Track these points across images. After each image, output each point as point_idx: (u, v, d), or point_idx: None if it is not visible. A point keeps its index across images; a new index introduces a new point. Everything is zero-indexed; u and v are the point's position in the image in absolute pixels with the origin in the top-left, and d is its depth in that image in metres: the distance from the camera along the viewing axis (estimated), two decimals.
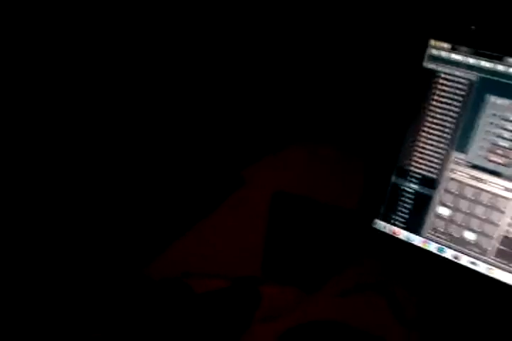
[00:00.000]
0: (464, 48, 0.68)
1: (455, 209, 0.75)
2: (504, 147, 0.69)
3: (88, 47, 0.91)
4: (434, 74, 0.72)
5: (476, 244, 0.75)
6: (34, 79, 0.88)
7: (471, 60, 0.68)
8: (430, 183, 0.77)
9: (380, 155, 0.80)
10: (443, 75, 0.71)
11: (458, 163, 0.73)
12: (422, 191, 0.78)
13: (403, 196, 0.80)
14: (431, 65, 0.72)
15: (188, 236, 0.95)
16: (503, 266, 0.74)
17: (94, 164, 0.95)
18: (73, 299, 0.80)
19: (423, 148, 0.76)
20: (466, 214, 0.75)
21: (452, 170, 0.74)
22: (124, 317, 0.78)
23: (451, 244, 0.78)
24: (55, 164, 0.91)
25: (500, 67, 0.66)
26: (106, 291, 0.82)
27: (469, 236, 0.76)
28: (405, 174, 0.78)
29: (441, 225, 0.77)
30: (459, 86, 0.70)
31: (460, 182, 0.74)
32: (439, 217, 0.77)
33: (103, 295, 0.81)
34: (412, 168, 0.78)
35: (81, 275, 0.84)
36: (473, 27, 0.67)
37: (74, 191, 0.93)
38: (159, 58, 0.99)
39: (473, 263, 0.77)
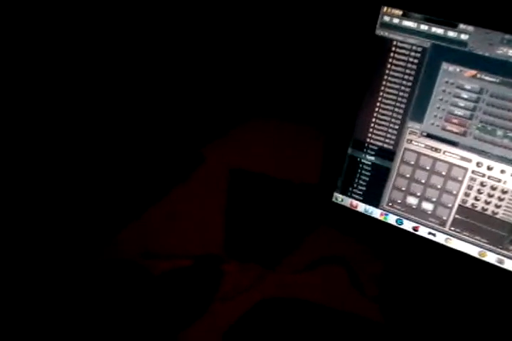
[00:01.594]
0: (416, 15, 0.66)
1: (412, 180, 0.75)
2: (459, 116, 0.68)
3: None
4: (387, 42, 0.70)
5: (433, 215, 0.75)
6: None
7: (424, 27, 0.66)
8: (387, 154, 0.75)
9: (336, 127, 0.78)
10: (396, 43, 0.69)
11: (414, 133, 0.72)
12: (379, 163, 0.77)
13: (360, 168, 0.78)
14: (383, 33, 0.70)
15: (148, 215, 0.94)
16: (459, 235, 0.74)
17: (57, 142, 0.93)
18: (26, 283, 0.78)
19: (379, 118, 0.74)
20: (424, 184, 0.74)
21: (408, 141, 0.73)
22: (77, 300, 0.77)
23: (409, 216, 0.77)
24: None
25: (452, 34, 0.65)
26: (62, 274, 0.80)
27: (427, 206, 0.75)
28: (362, 146, 0.77)
29: (399, 197, 0.77)
30: (412, 53, 0.68)
31: (416, 152, 0.73)
32: (397, 188, 0.76)
33: (60, 279, 0.80)
34: (369, 140, 0.76)
35: (36, 257, 0.82)
36: None
37: (30, 169, 0.91)
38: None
39: (431, 233, 0.76)
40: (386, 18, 0.69)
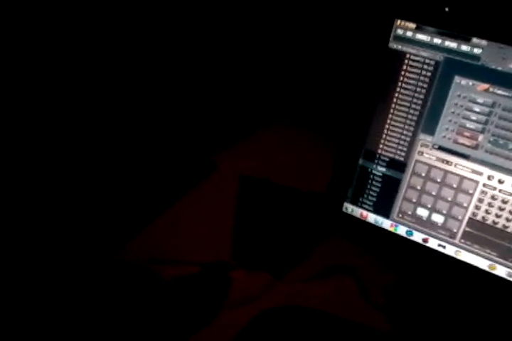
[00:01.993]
0: (430, 28, 0.67)
1: (423, 191, 0.75)
2: (471, 129, 0.68)
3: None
4: (400, 54, 0.70)
5: (444, 227, 0.75)
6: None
7: (437, 41, 0.67)
8: (398, 166, 0.76)
9: (347, 137, 0.78)
10: (409, 56, 0.69)
11: (425, 146, 0.72)
12: (389, 174, 0.77)
13: (371, 179, 0.79)
14: (397, 46, 0.70)
15: (158, 222, 0.94)
16: (469, 248, 0.74)
17: (65, 147, 0.94)
18: (38, 287, 0.79)
19: (390, 130, 0.75)
20: (434, 196, 0.74)
21: (420, 153, 0.73)
22: (84, 302, 0.78)
23: (419, 227, 0.77)
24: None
25: (465, 48, 0.65)
26: (72, 277, 0.81)
27: (437, 218, 0.75)
28: (373, 157, 0.77)
29: (409, 208, 0.77)
30: (425, 67, 0.69)
31: (427, 164, 0.73)
32: (407, 199, 0.76)
33: (69, 282, 0.80)
34: (380, 151, 0.76)
35: (48, 260, 0.83)
36: (446, 9, 0.66)
37: (42, 176, 0.92)
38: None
39: (441, 245, 0.76)
40: (399, 31, 0.69)
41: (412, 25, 0.68)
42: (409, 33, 0.69)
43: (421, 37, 0.68)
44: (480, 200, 0.71)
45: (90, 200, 0.93)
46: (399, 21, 0.69)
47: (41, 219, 0.88)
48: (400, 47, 0.70)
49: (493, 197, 0.70)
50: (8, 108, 0.87)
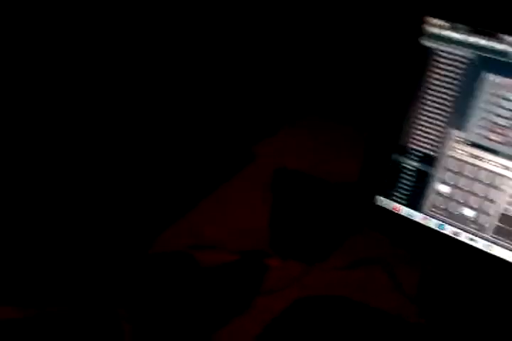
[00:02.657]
0: (462, 26, 0.66)
1: (454, 186, 0.75)
2: (503, 126, 0.68)
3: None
4: (431, 52, 0.70)
5: (475, 221, 0.75)
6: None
7: (469, 38, 0.66)
8: (430, 161, 0.76)
9: (380, 132, 0.79)
10: (440, 53, 0.69)
11: (457, 141, 0.73)
12: (422, 168, 0.77)
13: (403, 173, 0.79)
14: (428, 43, 0.70)
15: (197, 211, 0.98)
16: (501, 243, 0.74)
17: (102, 138, 0.97)
18: (79, 272, 0.83)
19: (423, 125, 0.75)
20: (466, 191, 0.74)
21: (452, 148, 0.74)
22: (130, 291, 0.82)
23: (450, 221, 0.78)
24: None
25: (498, 45, 0.65)
26: (112, 265, 0.85)
27: (468, 213, 0.76)
28: (405, 151, 0.78)
29: (441, 202, 0.77)
30: (457, 64, 0.68)
31: (459, 160, 0.74)
32: (439, 194, 0.77)
33: (110, 269, 0.84)
34: (412, 146, 0.77)
35: (88, 250, 0.87)
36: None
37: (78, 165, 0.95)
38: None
39: (472, 239, 0.77)
40: (431, 28, 0.69)
41: (444, 23, 0.68)
42: (440, 30, 0.68)
43: (452, 34, 0.67)
44: None
45: (133, 187, 0.97)
46: (430, 18, 0.69)
47: (82, 208, 0.92)
48: (431, 44, 0.70)
49: None
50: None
